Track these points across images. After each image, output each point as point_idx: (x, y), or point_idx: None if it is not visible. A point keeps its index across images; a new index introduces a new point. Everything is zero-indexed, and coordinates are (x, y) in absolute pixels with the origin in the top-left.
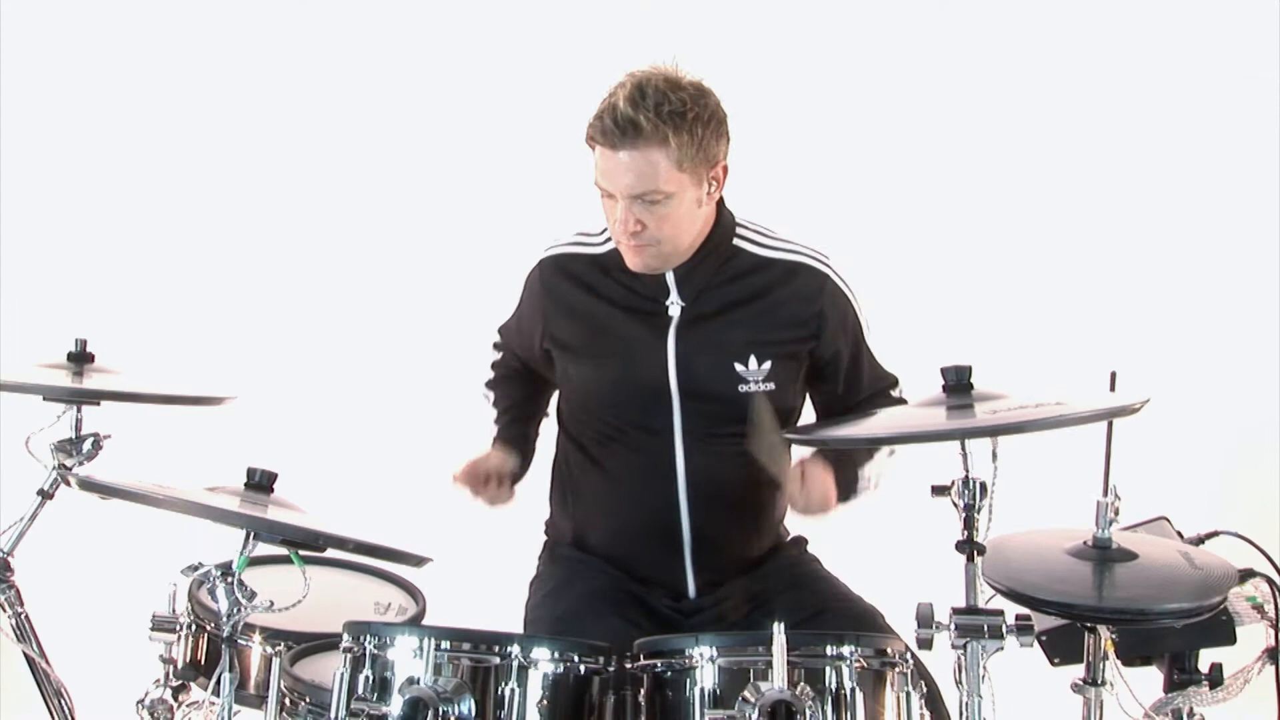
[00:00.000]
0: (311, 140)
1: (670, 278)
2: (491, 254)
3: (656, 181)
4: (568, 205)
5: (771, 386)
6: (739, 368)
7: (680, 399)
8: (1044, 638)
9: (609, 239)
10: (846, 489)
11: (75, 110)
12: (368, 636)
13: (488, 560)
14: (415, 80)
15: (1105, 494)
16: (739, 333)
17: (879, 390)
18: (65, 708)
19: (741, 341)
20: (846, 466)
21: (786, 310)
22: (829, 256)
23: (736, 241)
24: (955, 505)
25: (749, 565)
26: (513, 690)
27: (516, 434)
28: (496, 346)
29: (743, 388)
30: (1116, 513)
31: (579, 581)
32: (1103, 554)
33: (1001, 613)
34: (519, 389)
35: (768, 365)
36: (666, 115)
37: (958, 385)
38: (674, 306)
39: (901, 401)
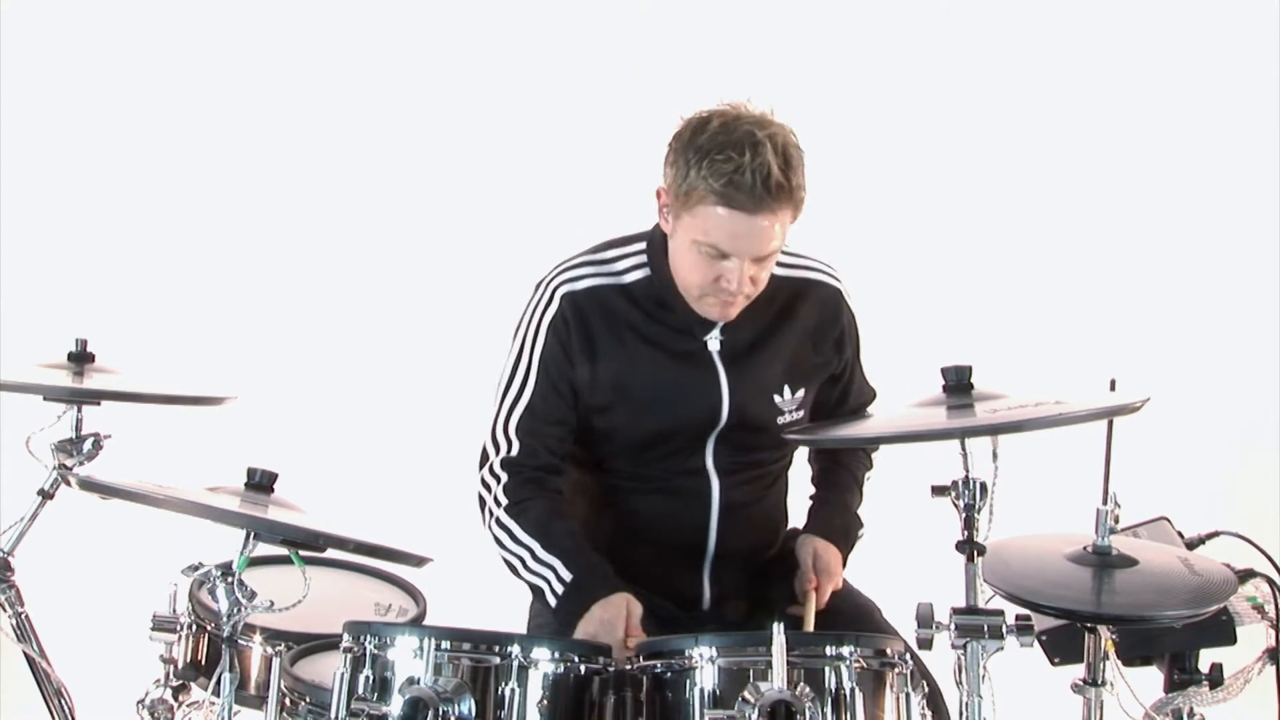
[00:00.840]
0: (311, 141)
1: None
2: (491, 255)
3: (781, 240)
4: (568, 207)
5: (800, 415)
6: (777, 399)
7: (720, 432)
8: (1044, 638)
9: (630, 266)
10: (849, 544)
11: (75, 110)
12: (368, 636)
13: (488, 560)
14: (414, 82)
15: (1105, 500)
16: (776, 364)
17: (860, 405)
18: (65, 708)
19: (778, 372)
20: (848, 521)
21: (813, 337)
22: (835, 268)
23: None
24: (955, 505)
25: (756, 570)
26: (513, 690)
27: (603, 563)
28: (506, 464)
29: (780, 419)
30: (1116, 520)
31: None
32: (1103, 560)
33: (1001, 613)
34: (556, 508)
35: (800, 394)
36: (802, 178)
37: (958, 385)
38: (714, 340)
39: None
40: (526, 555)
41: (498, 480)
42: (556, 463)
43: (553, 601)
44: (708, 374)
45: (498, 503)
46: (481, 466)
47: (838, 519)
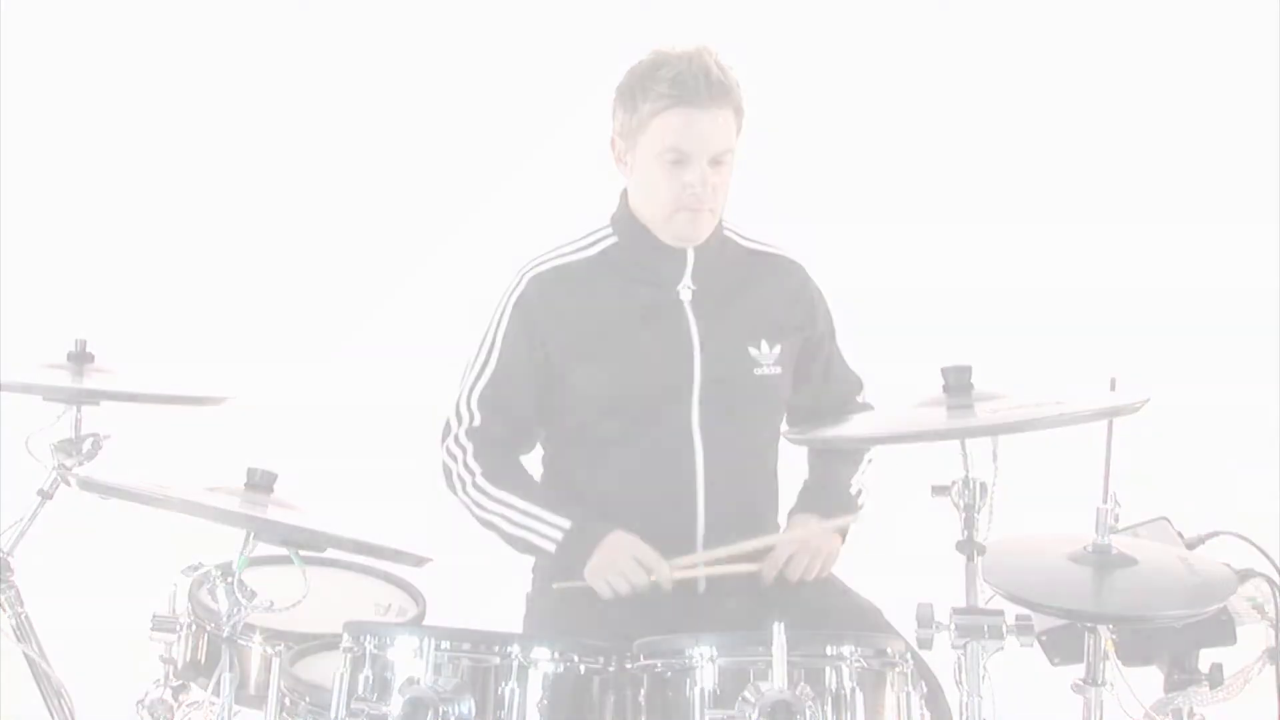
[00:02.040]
0: (311, 141)
1: (690, 255)
2: (490, 256)
3: (731, 140)
4: (569, 211)
5: (779, 371)
6: (753, 351)
7: (700, 387)
8: (1044, 638)
9: (597, 240)
10: (836, 506)
11: (75, 111)
12: (368, 637)
13: (488, 560)
14: (415, 83)
15: (1105, 499)
16: (748, 316)
17: (849, 394)
18: (65, 708)
19: (751, 325)
20: (839, 495)
21: (781, 298)
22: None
23: (725, 232)
24: (955, 505)
25: None
26: (513, 690)
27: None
28: (470, 434)
29: (757, 371)
30: (1116, 519)
31: (576, 603)
32: (1103, 559)
33: (1001, 613)
34: (523, 467)
35: (778, 349)
36: (735, 78)
37: (958, 385)
38: (685, 290)
39: (868, 406)
40: (510, 511)
41: (464, 450)
42: (519, 437)
43: (551, 548)
44: (679, 325)
45: (469, 469)
46: (445, 438)
47: (818, 490)
